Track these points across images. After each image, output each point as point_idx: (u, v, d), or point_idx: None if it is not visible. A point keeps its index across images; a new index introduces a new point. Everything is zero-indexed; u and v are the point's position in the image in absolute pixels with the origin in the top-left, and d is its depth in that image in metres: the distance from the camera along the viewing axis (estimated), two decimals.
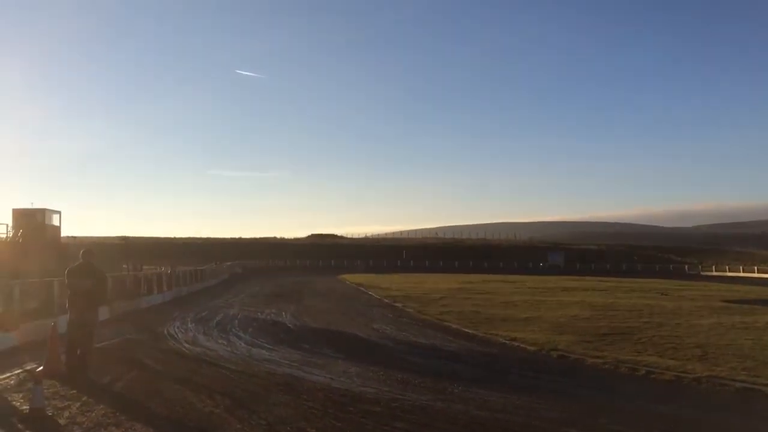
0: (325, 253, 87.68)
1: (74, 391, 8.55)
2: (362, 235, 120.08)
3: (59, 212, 39.83)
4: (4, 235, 36.14)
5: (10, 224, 36.82)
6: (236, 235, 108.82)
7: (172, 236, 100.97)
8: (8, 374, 9.77)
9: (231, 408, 7.86)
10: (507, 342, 14.26)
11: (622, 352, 12.49)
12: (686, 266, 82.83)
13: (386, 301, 26.89)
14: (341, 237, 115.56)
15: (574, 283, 41.86)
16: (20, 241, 35.29)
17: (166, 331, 15.52)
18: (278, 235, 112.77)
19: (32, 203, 38.77)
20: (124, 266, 35.98)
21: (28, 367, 10.06)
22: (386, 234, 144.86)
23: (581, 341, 13.88)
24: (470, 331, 16.07)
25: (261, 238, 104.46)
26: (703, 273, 74.39)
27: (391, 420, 7.43)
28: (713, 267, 78.34)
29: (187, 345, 13.44)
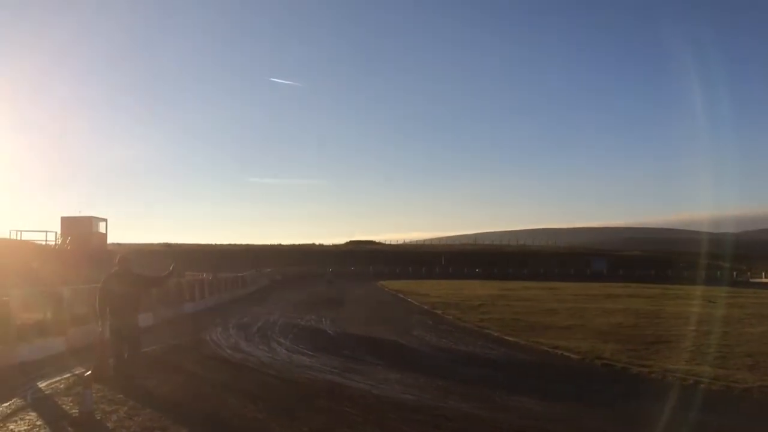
0: (364, 259, 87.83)
1: (121, 396, 8.73)
2: (400, 242, 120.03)
3: (105, 220, 41.01)
4: (54, 243, 37.28)
5: (59, 232, 37.99)
6: (276, 242, 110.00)
7: (214, 243, 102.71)
8: (58, 378, 10.04)
9: (273, 414, 7.91)
10: (549, 350, 14.03)
11: (669, 361, 12.15)
12: (734, 273, 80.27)
13: (425, 307, 26.77)
14: (379, 243, 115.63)
15: (618, 290, 40.99)
16: (68, 248, 36.37)
17: (208, 337, 15.75)
18: (317, 242, 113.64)
19: (80, 211, 40.03)
20: (164, 272, 36.68)
21: (77, 372, 10.32)
22: (425, 240, 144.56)
23: (626, 349, 13.57)
24: (511, 339, 15.86)
25: (300, 245, 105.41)
26: (752, 280, 71.98)
27: (433, 428, 7.38)
28: (762, 274, 75.76)
29: (229, 351, 13.60)
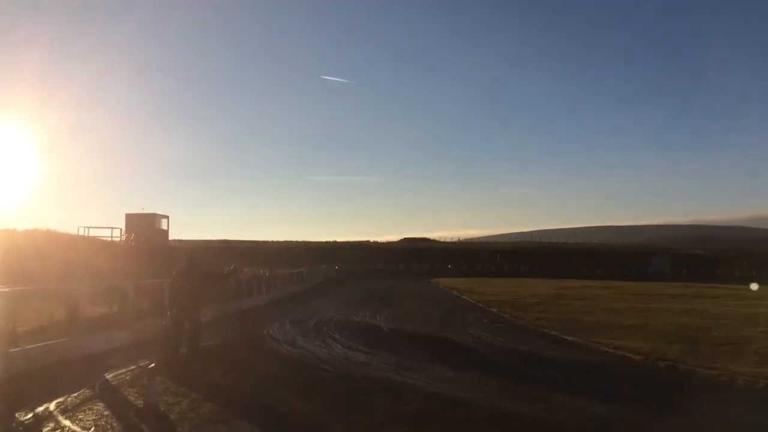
0: (418, 256, 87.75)
1: (183, 388, 8.96)
2: (455, 239, 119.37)
3: (167, 217, 42.29)
4: (118, 239, 38.66)
5: (124, 228, 39.38)
6: (331, 239, 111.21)
7: (271, 240, 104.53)
8: (123, 370, 10.39)
9: (330, 410, 7.97)
10: (610, 350, 13.64)
11: (738, 363, 11.62)
12: None
13: (481, 305, 26.51)
14: (434, 240, 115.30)
15: (682, 289, 39.57)
16: (132, 244, 37.65)
17: (266, 332, 16.01)
18: (371, 239, 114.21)
19: (143, 208, 41.39)
20: (226, 269, 37.52)
21: (141, 364, 10.66)
22: (479, 238, 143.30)
23: (692, 351, 13.07)
24: (570, 338, 15.51)
25: (354, 242, 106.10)
26: None
27: (490, 427, 7.29)
28: None
29: (286, 346, 13.79)
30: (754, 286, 36.21)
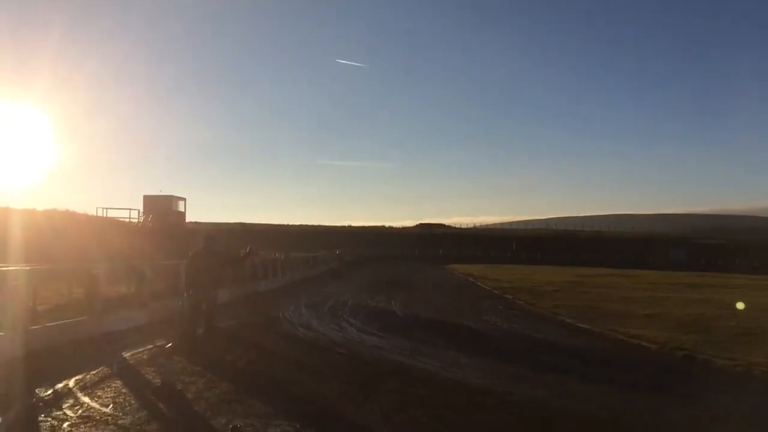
0: (433, 242, 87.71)
1: (200, 368, 9.05)
2: (470, 225, 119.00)
3: (184, 199, 42.56)
4: (136, 220, 39.01)
5: (141, 210, 39.72)
6: (346, 224, 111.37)
7: (287, 223, 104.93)
8: (141, 349, 10.52)
9: (345, 393, 8.01)
10: (626, 339, 13.55)
11: (756, 354, 11.47)
12: None
13: (496, 292, 26.48)
14: (449, 226, 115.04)
15: (700, 279, 39.18)
16: (150, 225, 37.99)
17: (281, 315, 16.11)
18: (386, 224, 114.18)
19: (161, 190, 41.69)
20: (242, 252, 37.78)
21: (159, 343, 10.76)
22: (495, 224, 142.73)
23: (709, 341, 12.94)
24: (586, 326, 15.43)
25: (369, 227, 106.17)
26: None
27: (503, 413, 7.28)
28: None
29: (301, 329, 13.86)
30: None
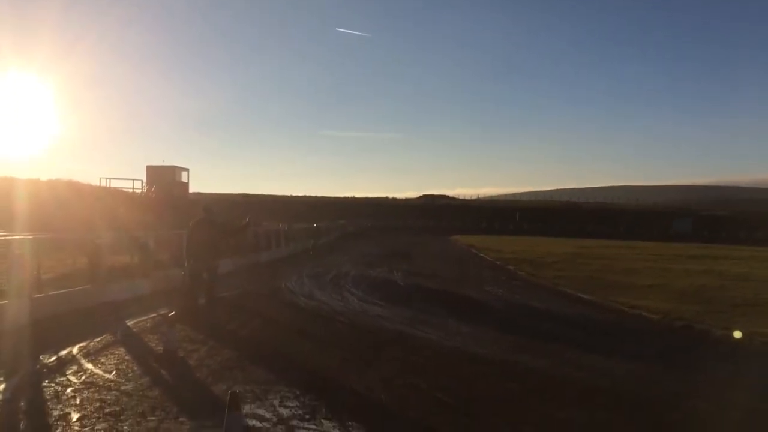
0: (437, 213, 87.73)
1: (202, 336, 9.13)
2: (474, 197, 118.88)
3: (187, 170, 42.47)
4: (140, 191, 39.00)
5: (144, 180, 39.69)
6: (349, 195, 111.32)
7: (289, 194, 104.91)
8: (144, 317, 10.60)
9: (346, 360, 8.07)
10: (627, 309, 13.59)
11: (756, 325, 11.49)
12: None
13: (498, 263, 26.52)
14: (453, 198, 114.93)
15: (703, 251, 39.18)
16: (153, 196, 37.98)
17: (283, 285, 16.18)
18: (390, 195, 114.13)
19: (164, 161, 41.59)
20: (242, 222, 37.83)
21: (161, 312, 10.85)
22: (499, 195, 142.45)
23: (709, 311, 12.97)
24: (587, 297, 15.48)
25: (373, 198, 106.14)
26: None
27: (504, 381, 7.34)
28: None
29: (303, 299, 13.93)
30: None
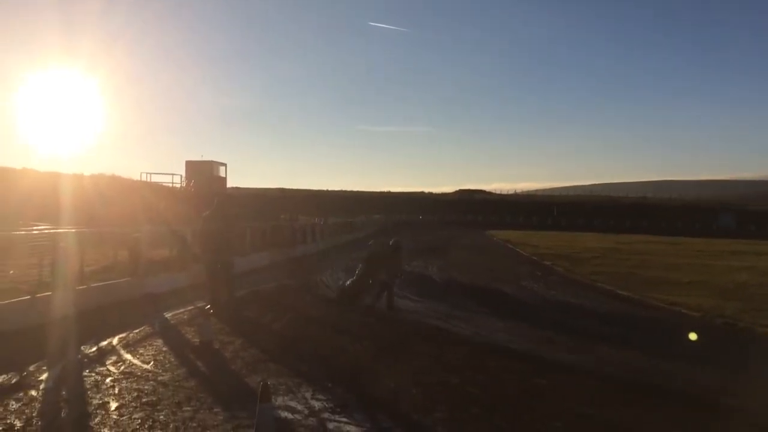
0: (473, 208, 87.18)
1: (237, 329, 9.28)
2: (512, 191, 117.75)
3: (225, 164, 43.04)
4: (179, 185, 39.72)
5: (184, 175, 40.39)
6: (385, 189, 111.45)
7: (326, 189, 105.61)
8: (182, 310, 10.83)
9: (377, 355, 8.12)
10: (666, 306, 13.34)
11: None
12: None
13: (535, 258, 26.27)
14: (490, 192, 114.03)
15: (747, 247, 38.09)
16: (192, 190, 38.62)
17: (318, 279, 16.33)
18: (426, 190, 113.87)
19: (202, 155, 42.21)
20: (282, 216, 38.25)
21: (198, 305, 11.07)
22: (536, 190, 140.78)
23: (751, 309, 12.64)
24: (624, 293, 15.23)
25: (409, 193, 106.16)
26: None
27: (534, 376, 7.29)
28: None
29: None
30: None
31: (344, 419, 5.48)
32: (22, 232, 11.79)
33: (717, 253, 30.51)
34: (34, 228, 15.06)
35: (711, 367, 8.40)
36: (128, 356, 7.47)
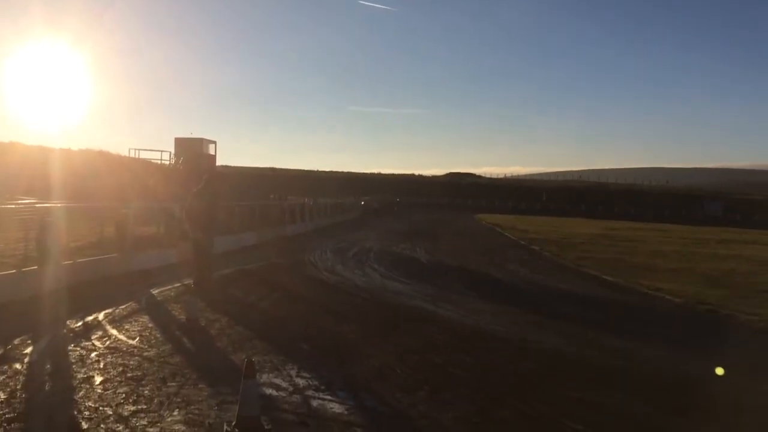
0: (462, 192, 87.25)
1: (224, 307, 9.29)
2: (501, 175, 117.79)
3: (215, 142, 42.70)
4: (168, 162, 39.42)
5: (173, 152, 40.07)
6: (375, 171, 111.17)
7: (316, 169, 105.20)
8: (168, 287, 10.81)
9: (364, 335, 8.16)
10: (650, 292, 13.45)
11: None
12: None
13: (523, 243, 26.39)
14: (479, 176, 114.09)
15: (733, 235, 38.50)
16: (180, 167, 38.34)
17: (306, 259, 16.34)
18: (416, 172, 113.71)
19: (191, 133, 41.83)
20: (271, 196, 38.12)
21: (186, 282, 11.06)
22: (526, 175, 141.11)
23: (735, 296, 12.78)
24: (610, 279, 15.35)
25: (399, 175, 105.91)
26: None
27: (519, 359, 7.37)
28: None
29: (325, 273, 14.07)
30: None
31: (328, 397, 5.52)
32: (11, 206, 11.70)
33: (702, 241, 30.82)
34: (21, 202, 14.94)
35: (693, 353, 8.50)
36: (114, 331, 7.47)
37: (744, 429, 5.59)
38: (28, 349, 6.50)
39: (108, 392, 5.33)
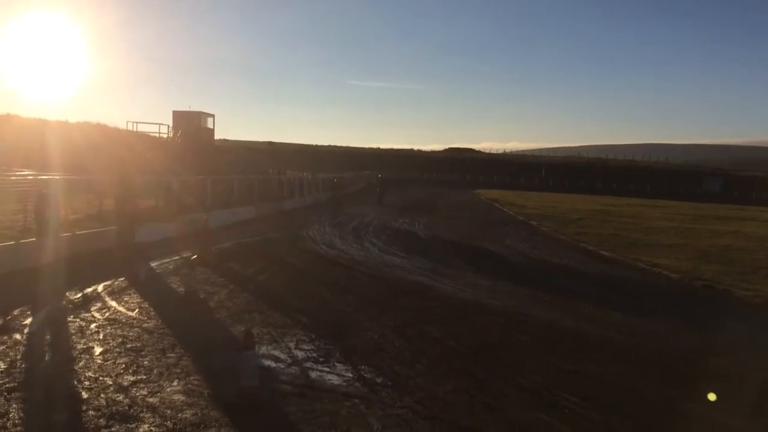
0: (461, 167, 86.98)
1: (223, 279, 9.33)
2: (500, 151, 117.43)
3: (213, 116, 42.35)
4: (166, 135, 39.17)
5: (171, 125, 39.78)
6: (374, 146, 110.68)
7: (315, 144, 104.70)
8: (167, 260, 10.84)
9: (361, 308, 8.20)
10: (647, 267, 13.51)
11: None
12: None
13: (521, 218, 26.40)
14: (478, 152, 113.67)
15: (731, 212, 38.50)
16: (179, 141, 38.09)
17: (305, 233, 16.35)
18: (415, 147, 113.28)
19: (190, 106, 41.43)
20: (270, 170, 37.98)
21: (185, 255, 11.08)
22: (525, 150, 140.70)
23: (731, 272, 12.84)
24: (608, 254, 15.40)
25: (398, 150, 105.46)
26: None
27: (515, 332, 7.41)
28: None
29: (324, 247, 14.09)
30: None
31: (326, 368, 5.57)
32: (11, 178, 11.67)
33: (700, 217, 30.82)
34: (19, 174, 14.89)
35: (689, 326, 8.57)
36: (113, 303, 7.50)
37: (737, 399, 5.66)
38: (28, 320, 6.54)
39: (108, 363, 5.37)
